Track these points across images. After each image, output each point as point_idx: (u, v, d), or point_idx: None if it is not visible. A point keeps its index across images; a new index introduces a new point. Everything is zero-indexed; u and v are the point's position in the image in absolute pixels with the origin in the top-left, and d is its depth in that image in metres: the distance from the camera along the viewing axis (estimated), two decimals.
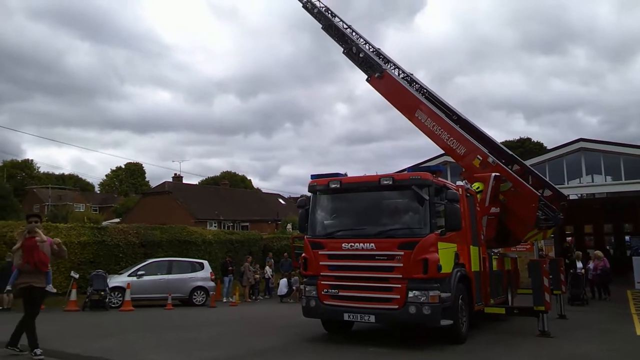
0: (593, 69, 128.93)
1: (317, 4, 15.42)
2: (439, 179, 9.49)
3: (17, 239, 7.99)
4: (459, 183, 10.77)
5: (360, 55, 14.27)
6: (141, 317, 14.07)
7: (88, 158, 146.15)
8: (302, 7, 15.75)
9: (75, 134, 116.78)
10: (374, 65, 13.96)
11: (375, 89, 13.99)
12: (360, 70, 14.46)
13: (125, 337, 10.11)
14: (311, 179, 10.11)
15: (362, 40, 14.65)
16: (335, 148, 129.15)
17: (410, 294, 8.46)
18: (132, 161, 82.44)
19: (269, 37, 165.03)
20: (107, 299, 15.51)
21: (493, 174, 11.48)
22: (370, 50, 14.45)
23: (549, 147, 36.16)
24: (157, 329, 11.60)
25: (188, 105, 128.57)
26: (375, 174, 9.82)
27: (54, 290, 8.18)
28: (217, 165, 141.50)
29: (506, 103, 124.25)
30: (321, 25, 15.24)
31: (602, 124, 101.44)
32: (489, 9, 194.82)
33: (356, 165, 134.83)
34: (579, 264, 17.28)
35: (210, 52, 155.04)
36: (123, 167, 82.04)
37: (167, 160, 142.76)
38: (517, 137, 56.75)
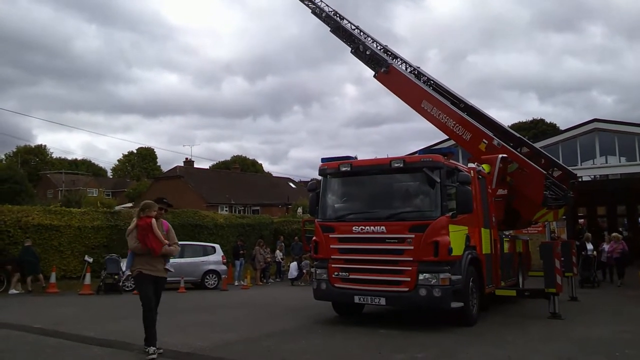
0: (609, 46, 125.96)
1: (326, 8, 15.81)
2: (451, 161, 9.44)
3: (134, 218, 7.10)
4: (471, 165, 10.68)
5: (367, 52, 14.58)
6: None
7: (98, 142, 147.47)
8: (311, 12, 16.16)
9: (84, 119, 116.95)
10: (380, 61, 14.24)
11: (383, 83, 14.25)
12: (368, 68, 14.75)
13: (139, 320, 10.23)
14: (322, 162, 10.10)
15: (369, 39, 15.02)
16: (345, 131, 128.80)
17: (421, 277, 8.47)
18: (143, 145, 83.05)
19: (276, 18, 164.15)
20: (120, 283, 15.74)
21: (500, 156, 11.44)
22: (378, 47, 14.77)
23: (562, 128, 35.69)
24: (171, 312, 11.71)
25: (196, 89, 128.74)
26: (386, 156, 9.78)
27: (172, 270, 7.43)
28: (226, 149, 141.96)
29: (519, 83, 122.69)
30: (329, 29, 15.62)
31: (618, 104, 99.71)
32: None
33: (366, 148, 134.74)
34: (589, 246, 16.96)
35: (218, 35, 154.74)
36: (135, 151, 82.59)
37: (176, 144, 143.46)
38: (530, 119, 56.27)
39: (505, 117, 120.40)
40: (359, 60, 14.92)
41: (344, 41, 15.25)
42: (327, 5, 15.89)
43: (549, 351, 7.32)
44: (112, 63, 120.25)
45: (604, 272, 17.65)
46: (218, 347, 7.35)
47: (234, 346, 7.48)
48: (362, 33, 15.14)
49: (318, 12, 15.89)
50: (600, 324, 9.78)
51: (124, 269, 15.99)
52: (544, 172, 11.83)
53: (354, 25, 15.30)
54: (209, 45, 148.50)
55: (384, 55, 14.42)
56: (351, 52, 15.03)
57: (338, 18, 15.50)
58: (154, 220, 6.87)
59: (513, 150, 12.08)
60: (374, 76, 14.33)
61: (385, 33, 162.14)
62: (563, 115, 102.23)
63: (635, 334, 8.78)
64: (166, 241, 6.90)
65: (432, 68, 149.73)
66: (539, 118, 56.10)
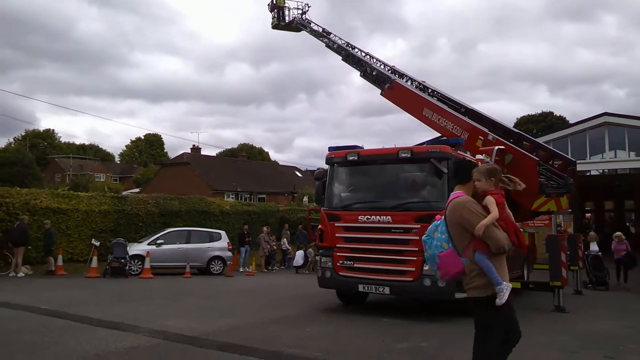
0: (623, 38, 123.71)
1: (338, 41, 17.98)
2: (459, 152, 9.40)
3: (482, 190, 3.99)
4: (479, 156, 10.62)
5: (373, 73, 15.99)
6: (160, 284, 14.39)
7: (103, 127, 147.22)
8: (325, 46, 18.39)
9: (87, 103, 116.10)
10: (385, 79, 15.32)
11: (388, 99, 15.11)
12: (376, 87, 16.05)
13: (144, 304, 10.37)
14: (329, 151, 10.09)
15: (379, 62, 16.69)
16: (350, 120, 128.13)
17: (426, 267, 8.45)
18: (147, 131, 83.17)
19: None
20: (127, 267, 15.85)
21: (496, 148, 11.47)
22: (387, 69, 16.17)
23: (572, 121, 35.41)
24: (176, 296, 11.86)
25: (199, 75, 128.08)
26: (393, 146, 9.75)
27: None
28: (231, 136, 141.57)
29: (530, 74, 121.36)
30: (341, 57, 17.50)
31: (630, 97, 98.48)
32: None
33: (372, 139, 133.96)
34: (593, 247, 15.68)
35: (221, 19, 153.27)
36: (142, 137, 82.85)
37: (181, 130, 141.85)
38: (540, 111, 55.77)
39: (514, 109, 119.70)
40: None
41: (353, 67, 17.04)
42: (339, 38, 18.18)
43: (552, 344, 7.33)
44: (114, 46, 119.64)
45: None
46: (222, 331, 7.41)
47: (238, 331, 7.54)
48: (372, 58, 16.93)
49: (331, 45, 18.18)
50: (604, 318, 9.78)
51: (130, 253, 16.14)
52: (536, 158, 11.94)
53: (364, 52, 17.24)
54: (213, 30, 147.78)
55: (389, 74, 15.71)
56: (360, 75, 16.60)
57: (350, 48, 17.57)
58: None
59: (506, 142, 12.36)
60: (381, 94, 15.20)
61: (393, 20, 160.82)
62: (573, 108, 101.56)
63: (638, 329, 8.77)
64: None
65: (442, 57, 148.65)
66: (548, 111, 55.70)
